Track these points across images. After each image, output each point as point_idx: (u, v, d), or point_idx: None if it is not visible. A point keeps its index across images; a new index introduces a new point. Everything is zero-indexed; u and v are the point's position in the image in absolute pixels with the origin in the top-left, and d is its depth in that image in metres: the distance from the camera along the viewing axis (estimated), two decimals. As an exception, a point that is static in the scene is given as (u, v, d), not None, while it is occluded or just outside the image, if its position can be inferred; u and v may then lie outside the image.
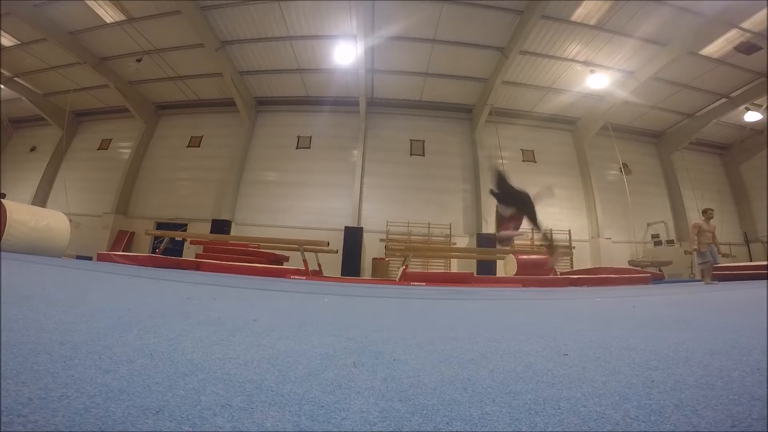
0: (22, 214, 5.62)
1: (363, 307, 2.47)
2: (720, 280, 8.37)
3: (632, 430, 0.50)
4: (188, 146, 14.79)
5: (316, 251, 8.19)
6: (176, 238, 11.47)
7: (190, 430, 0.44)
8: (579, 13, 10.31)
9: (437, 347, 1.08)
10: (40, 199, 14.81)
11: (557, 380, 0.75)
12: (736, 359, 0.93)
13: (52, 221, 6.07)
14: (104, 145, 15.68)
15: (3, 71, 13.36)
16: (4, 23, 11.15)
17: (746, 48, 10.64)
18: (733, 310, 2.49)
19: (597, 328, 1.58)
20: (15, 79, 14.09)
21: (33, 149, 16.58)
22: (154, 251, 12.64)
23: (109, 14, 11.05)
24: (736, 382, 0.73)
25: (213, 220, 12.80)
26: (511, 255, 7.70)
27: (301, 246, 7.56)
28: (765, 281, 6.38)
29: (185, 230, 13.08)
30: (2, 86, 13.90)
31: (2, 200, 5.32)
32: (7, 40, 12.13)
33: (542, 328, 1.60)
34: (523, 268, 7.31)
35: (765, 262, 9.71)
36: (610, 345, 1.15)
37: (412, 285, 6.33)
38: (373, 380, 0.73)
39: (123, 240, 13.34)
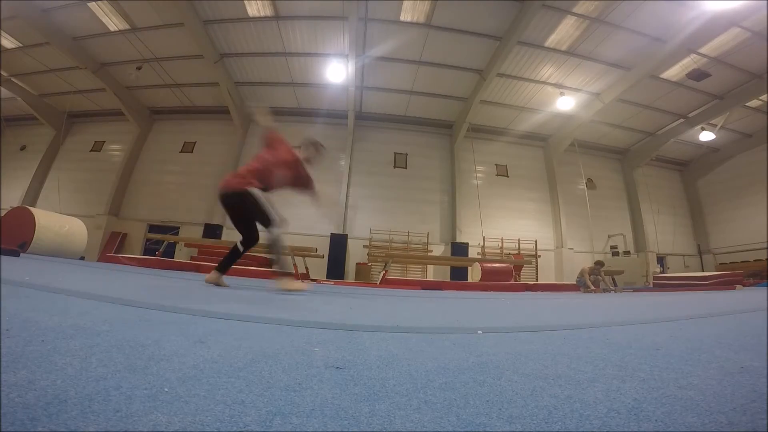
0: (47, 220, 6.24)
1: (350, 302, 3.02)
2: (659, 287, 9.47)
3: (631, 430, 0.49)
4: (181, 151, 15.27)
5: (304, 256, 8.94)
6: (169, 241, 11.99)
7: (192, 430, 0.43)
8: (552, 39, 11.21)
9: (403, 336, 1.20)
10: (31, 198, 14.94)
11: (550, 377, 0.75)
12: (736, 359, 0.93)
13: (72, 227, 6.70)
14: (97, 146, 15.94)
15: (2, 72, 13.59)
16: (10, 26, 11.43)
17: (697, 75, 11.47)
18: (733, 311, 2.62)
19: (595, 326, 1.65)
20: (11, 79, 14.28)
21: (23, 148, 16.61)
22: (145, 253, 13.11)
23: (113, 23, 11.54)
24: (736, 382, 0.72)
25: (205, 224, 13.31)
26: (477, 264, 8.66)
27: (291, 251, 8.32)
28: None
29: (177, 233, 13.55)
30: (2, 87, 14.11)
31: (30, 208, 5.93)
32: (10, 42, 12.43)
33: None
34: (486, 275, 8.28)
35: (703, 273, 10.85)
36: (605, 343, 1.17)
37: (392, 288, 7.10)
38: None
39: (115, 241, 13.69)
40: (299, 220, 13.70)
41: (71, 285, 2.05)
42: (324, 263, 11.89)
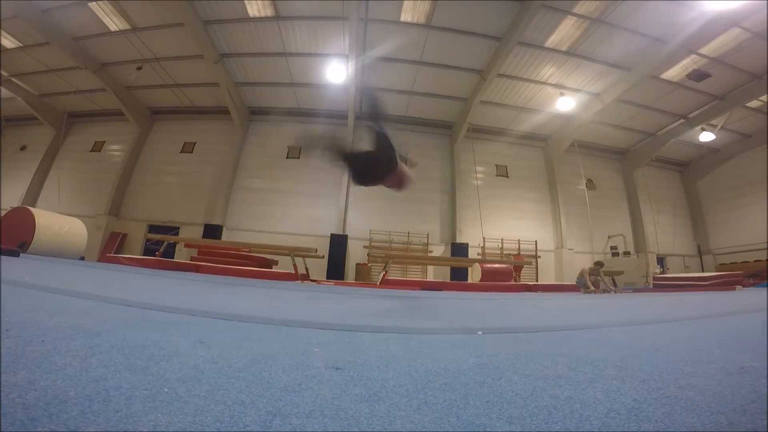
0: (47, 220, 6.25)
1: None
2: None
3: (631, 430, 0.49)
4: (181, 152, 15.27)
5: (304, 256, 8.96)
6: (169, 241, 12.01)
7: (192, 430, 0.43)
8: (552, 40, 11.16)
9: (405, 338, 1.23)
10: (31, 198, 14.93)
11: (549, 377, 0.75)
12: (736, 360, 0.94)
13: (72, 227, 6.71)
14: (97, 147, 15.90)
15: (2, 72, 13.60)
16: (10, 26, 11.41)
17: (697, 75, 11.44)
18: (733, 312, 2.68)
19: (595, 327, 1.70)
20: (11, 79, 14.25)
21: (23, 148, 16.63)
22: (145, 253, 13.12)
23: (114, 23, 11.52)
24: (736, 383, 0.72)
25: (205, 224, 13.32)
26: (477, 264, 8.68)
27: (292, 252, 8.32)
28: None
29: (177, 233, 13.57)
30: (2, 87, 14.13)
31: (30, 208, 5.95)
32: (10, 42, 12.41)
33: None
34: (486, 275, 8.30)
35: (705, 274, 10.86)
36: (605, 343, 1.18)
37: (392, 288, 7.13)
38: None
39: (115, 241, 13.69)
40: (299, 220, 13.87)
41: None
42: (324, 264, 11.90)
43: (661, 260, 15.55)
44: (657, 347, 1.13)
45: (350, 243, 13.11)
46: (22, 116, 16.25)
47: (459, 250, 12.94)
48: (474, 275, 8.97)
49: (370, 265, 11.69)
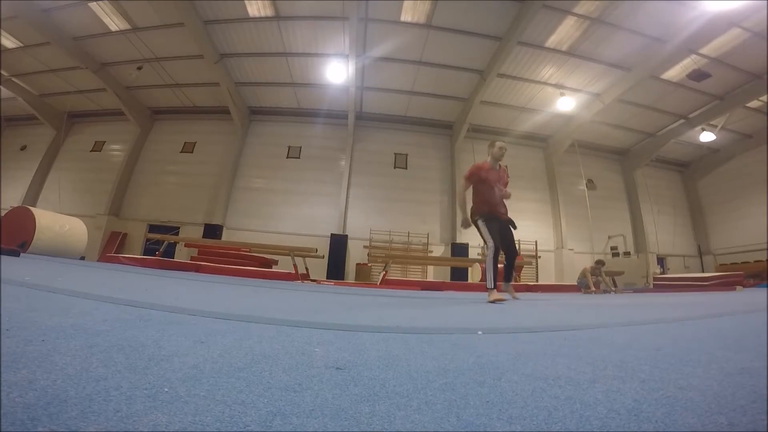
0: (47, 220, 6.26)
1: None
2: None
3: (631, 430, 0.50)
4: (182, 151, 15.30)
5: (304, 256, 8.97)
6: (169, 241, 12.01)
7: (192, 430, 0.43)
8: (552, 40, 11.19)
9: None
10: (31, 198, 14.98)
11: (549, 378, 0.75)
12: (736, 360, 0.94)
13: (72, 226, 6.73)
14: (97, 146, 15.98)
15: (2, 72, 13.61)
16: (10, 26, 11.45)
17: (697, 75, 11.41)
18: (733, 312, 2.66)
19: (595, 327, 1.68)
20: (11, 79, 14.30)
21: (23, 148, 16.66)
22: (146, 253, 13.13)
23: (114, 23, 11.55)
24: (736, 383, 0.72)
25: (205, 224, 13.35)
26: (477, 264, 8.69)
27: (292, 252, 8.33)
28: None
29: (177, 233, 13.58)
30: (2, 87, 14.14)
31: (30, 208, 5.96)
32: (10, 42, 12.43)
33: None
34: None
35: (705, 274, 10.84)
36: (605, 343, 1.18)
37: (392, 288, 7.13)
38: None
39: (116, 241, 13.71)
40: (299, 220, 13.88)
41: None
42: (324, 264, 11.90)
43: (661, 260, 15.56)
44: (657, 347, 1.13)
45: (350, 243, 13.13)
46: (22, 116, 16.34)
47: (459, 250, 12.95)
48: (474, 275, 8.98)
49: (370, 265, 11.69)
